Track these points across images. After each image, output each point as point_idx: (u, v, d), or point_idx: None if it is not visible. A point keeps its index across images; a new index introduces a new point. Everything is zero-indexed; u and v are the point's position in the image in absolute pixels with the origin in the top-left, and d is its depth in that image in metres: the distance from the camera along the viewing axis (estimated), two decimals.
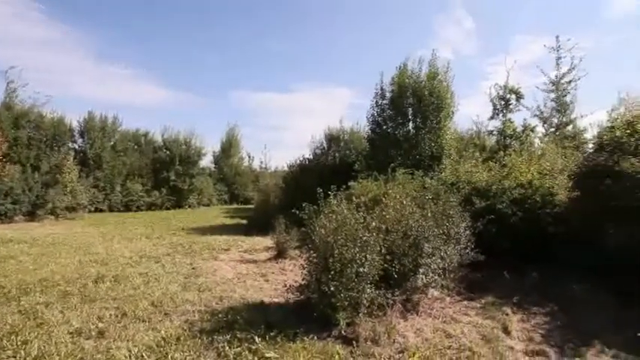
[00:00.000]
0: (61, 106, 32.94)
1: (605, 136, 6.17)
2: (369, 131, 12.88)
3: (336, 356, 3.41)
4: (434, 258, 4.76)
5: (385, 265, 4.34)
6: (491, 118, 14.87)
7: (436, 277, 4.79)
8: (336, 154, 15.82)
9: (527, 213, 6.30)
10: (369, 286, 4.06)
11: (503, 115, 14.55)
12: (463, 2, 39.75)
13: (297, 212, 5.06)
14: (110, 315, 4.35)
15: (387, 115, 12.05)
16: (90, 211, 18.19)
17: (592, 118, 16.57)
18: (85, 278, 5.96)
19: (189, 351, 3.43)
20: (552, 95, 14.81)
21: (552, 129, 14.77)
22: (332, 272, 3.88)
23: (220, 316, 4.34)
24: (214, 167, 30.44)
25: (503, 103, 14.54)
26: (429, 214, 5.04)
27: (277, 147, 63.07)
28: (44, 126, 17.17)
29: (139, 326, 4.04)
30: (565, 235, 5.77)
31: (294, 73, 53.31)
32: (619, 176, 5.04)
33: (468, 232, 5.46)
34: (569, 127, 14.46)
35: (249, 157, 33.60)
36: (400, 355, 3.51)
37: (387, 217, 4.97)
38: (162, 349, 3.48)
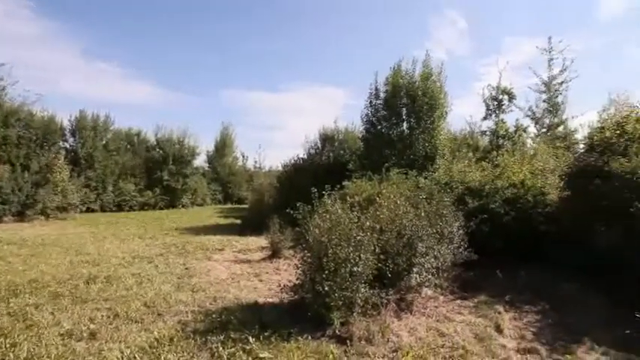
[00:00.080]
0: (51, 104, 32.68)
1: (595, 137, 6.28)
2: (364, 131, 12.91)
3: (330, 356, 3.41)
4: (427, 257, 4.79)
5: (379, 265, 4.36)
6: (484, 118, 15.08)
7: (430, 277, 4.82)
8: (331, 154, 15.83)
9: (519, 212, 6.36)
10: (363, 285, 4.07)
11: (495, 116, 14.73)
12: (456, 3, 40.11)
13: (292, 212, 5.08)
14: (102, 316, 4.30)
15: (381, 115, 12.10)
16: (81, 211, 17.94)
17: (583, 119, 16.83)
18: (77, 279, 5.87)
19: (183, 352, 3.41)
20: (544, 96, 15.06)
21: (544, 129, 15.00)
22: (326, 272, 3.89)
23: (214, 316, 4.32)
24: (208, 167, 30.33)
25: (495, 103, 14.72)
26: (423, 214, 5.07)
27: (269, 146, 63.04)
28: (34, 125, 16.84)
29: (131, 327, 4.00)
30: (556, 234, 5.84)
31: (287, 72, 53.37)
32: (608, 176, 5.13)
33: (461, 231, 5.50)
34: (561, 128, 14.70)
35: (244, 156, 33.64)
36: (394, 354, 3.53)
37: (381, 216, 4.99)
38: (155, 350, 3.45)
